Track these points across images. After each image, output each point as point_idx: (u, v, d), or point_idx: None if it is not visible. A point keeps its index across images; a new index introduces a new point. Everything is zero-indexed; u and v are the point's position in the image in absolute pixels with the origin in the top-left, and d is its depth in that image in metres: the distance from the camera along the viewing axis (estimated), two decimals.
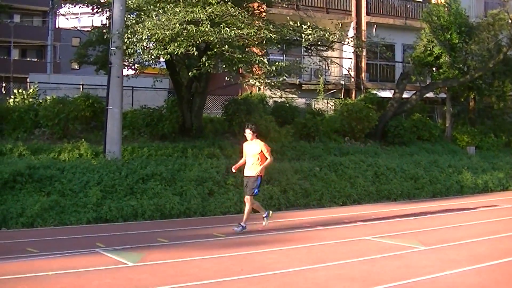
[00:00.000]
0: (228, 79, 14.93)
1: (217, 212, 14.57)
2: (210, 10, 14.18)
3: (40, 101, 18.62)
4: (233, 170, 12.42)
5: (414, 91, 25.40)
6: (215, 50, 14.41)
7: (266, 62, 15.40)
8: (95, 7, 18.75)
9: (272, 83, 16.06)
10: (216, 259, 9.18)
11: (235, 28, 14.09)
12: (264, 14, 18.55)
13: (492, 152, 24.76)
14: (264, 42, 15.72)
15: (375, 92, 26.78)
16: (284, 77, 16.31)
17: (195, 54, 14.19)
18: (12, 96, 19.11)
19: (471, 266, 8.67)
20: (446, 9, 25.51)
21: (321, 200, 16.60)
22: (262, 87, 15.85)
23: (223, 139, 19.22)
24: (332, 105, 25.35)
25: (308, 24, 17.30)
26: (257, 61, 14.90)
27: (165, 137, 18.30)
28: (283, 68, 15.78)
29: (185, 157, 16.77)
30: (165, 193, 14.42)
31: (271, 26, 16.03)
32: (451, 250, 10.08)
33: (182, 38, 13.84)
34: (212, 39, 13.93)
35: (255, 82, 15.65)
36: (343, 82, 28.59)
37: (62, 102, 17.76)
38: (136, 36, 14.38)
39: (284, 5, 23.13)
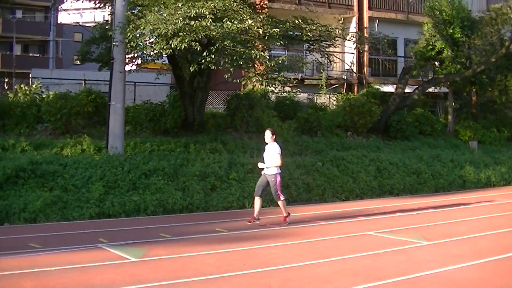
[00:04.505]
0: (227, 77, 14.77)
1: (220, 207, 14.59)
2: (212, 5, 14.13)
3: (43, 96, 18.62)
4: None
5: (417, 86, 25.33)
6: (217, 45, 14.38)
7: (267, 57, 15.34)
8: (97, 1, 18.76)
9: (273, 80, 15.98)
10: (219, 254, 9.19)
11: (236, 22, 14.03)
12: (266, 9, 18.50)
13: (494, 147, 24.73)
14: (266, 37, 15.67)
15: (377, 86, 26.76)
16: (284, 74, 16.23)
17: (198, 49, 14.14)
18: (12, 92, 19.11)
19: (473, 261, 8.68)
20: (448, 3, 25.38)
21: (323, 195, 16.61)
22: (263, 83, 15.68)
23: (225, 134, 19.20)
24: (334, 100, 25.30)
25: (309, 21, 17.25)
26: (258, 56, 14.83)
27: (168, 132, 18.30)
28: (284, 64, 15.68)
29: (188, 152, 16.76)
30: (168, 188, 14.44)
31: (273, 20, 15.97)
32: (453, 245, 10.09)
33: (185, 33, 13.80)
34: (214, 33, 13.87)
35: (256, 79, 15.55)
36: (345, 77, 28.51)
37: (64, 97, 17.72)
38: (138, 30, 14.36)
39: (286, 0, 23.05)
